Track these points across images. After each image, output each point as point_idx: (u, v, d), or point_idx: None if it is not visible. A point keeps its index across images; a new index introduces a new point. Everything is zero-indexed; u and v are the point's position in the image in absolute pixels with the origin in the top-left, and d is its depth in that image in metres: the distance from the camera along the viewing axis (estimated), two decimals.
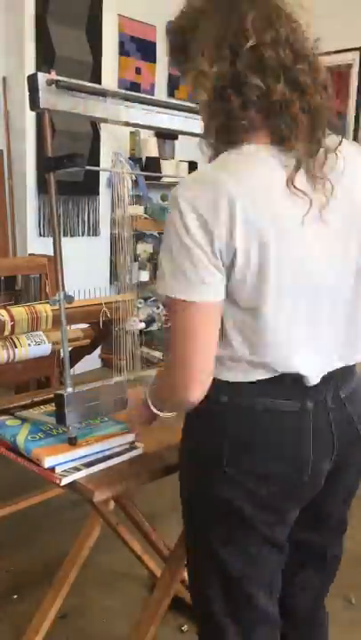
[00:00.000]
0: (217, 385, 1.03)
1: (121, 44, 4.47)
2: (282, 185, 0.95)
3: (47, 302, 1.80)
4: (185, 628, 1.95)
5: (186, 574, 1.25)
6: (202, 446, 1.08)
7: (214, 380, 1.03)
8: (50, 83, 1.20)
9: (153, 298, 1.42)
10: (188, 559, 1.21)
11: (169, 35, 1.07)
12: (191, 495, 1.13)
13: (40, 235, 3.92)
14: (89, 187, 4.16)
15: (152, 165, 4.44)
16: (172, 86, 4.97)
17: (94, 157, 4.07)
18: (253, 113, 0.95)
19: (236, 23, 0.94)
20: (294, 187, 0.95)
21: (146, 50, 4.64)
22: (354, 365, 1.15)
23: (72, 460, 1.24)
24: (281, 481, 1.05)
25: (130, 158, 4.28)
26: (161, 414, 1.17)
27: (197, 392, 1.02)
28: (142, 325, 1.36)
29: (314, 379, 1.04)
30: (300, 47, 0.96)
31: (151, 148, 4.55)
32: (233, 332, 1.02)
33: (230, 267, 0.96)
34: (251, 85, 0.93)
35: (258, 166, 0.96)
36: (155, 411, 1.17)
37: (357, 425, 1.13)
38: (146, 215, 3.47)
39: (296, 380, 1.03)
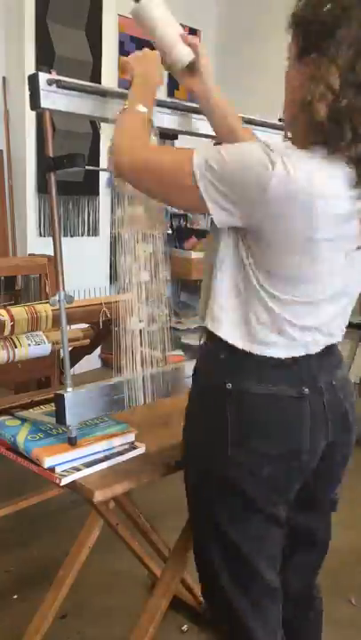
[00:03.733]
0: (220, 365, 1.11)
1: (121, 44, 4.47)
2: (351, 210, 1.02)
3: (47, 302, 1.80)
4: (185, 627, 1.95)
5: (186, 574, 1.25)
6: (207, 430, 1.14)
7: (216, 358, 1.11)
8: (50, 82, 1.20)
9: (152, 298, 1.42)
10: (194, 541, 1.25)
11: (304, 18, 1.04)
12: (199, 476, 1.17)
13: (40, 235, 3.92)
14: (89, 187, 4.16)
15: None
16: (172, 86, 4.97)
17: (94, 157, 4.07)
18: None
19: None
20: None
21: None
22: (340, 355, 1.23)
23: (72, 460, 1.24)
24: (282, 461, 1.11)
25: None
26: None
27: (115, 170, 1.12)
28: (142, 325, 1.36)
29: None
30: None
31: None
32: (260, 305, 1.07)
33: (271, 234, 1.01)
34: None
35: (343, 182, 1.01)
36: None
37: (348, 410, 1.20)
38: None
39: (295, 361, 1.11)
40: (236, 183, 1.00)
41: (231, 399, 1.10)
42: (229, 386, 1.09)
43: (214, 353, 1.13)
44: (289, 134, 1.13)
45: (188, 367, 1.44)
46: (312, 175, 0.98)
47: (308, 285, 1.07)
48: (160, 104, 1.40)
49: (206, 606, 1.32)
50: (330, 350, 1.17)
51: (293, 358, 1.11)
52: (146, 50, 1.29)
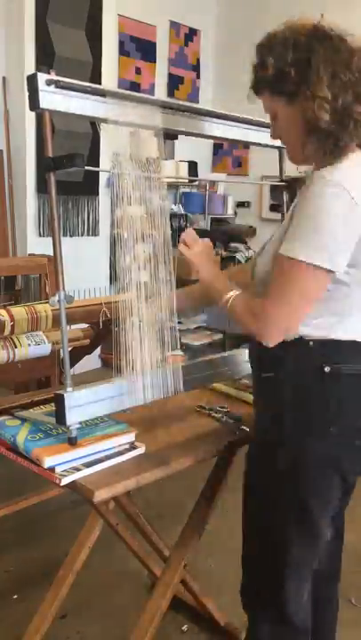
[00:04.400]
0: (318, 354, 1.21)
1: (121, 44, 4.48)
2: None
3: (47, 302, 1.80)
4: (185, 627, 1.95)
5: (186, 574, 1.25)
6: (308, 411, 1.23)
7: (315, 349, 1.21)
8: (49, 83, 1.20)
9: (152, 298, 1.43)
10: (258, 523, 1.33)
11: (278, 75, 1.20)
12: (298, 453, 1.24)
13: (40, 235, 3.92)
14: (89, 187, 4.16)
15: None
16: (172, 86, 4.97)
17: (94, 157, 4.07)
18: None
19: (344, 59, 1.16)
20: None
21: (146, 50, 4.64)
22: None
23: (72, 460, 1.24)
24: None
25: None
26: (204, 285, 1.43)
27: (276, 343, 1.19)
28: (142, 325, 1.36)
29: None
30: None
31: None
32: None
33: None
34: (359, 112, 1.16)
35: None
36: (214, 290, 1.36)
37: None
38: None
39: None
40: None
41: (330, 381, 1.21)
42: (327, 369, 1.20)
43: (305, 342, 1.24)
44: (305, 168, 1.28)
45: (188, 367, 1.45)
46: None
47: None
48: (160, 104, 1.40)
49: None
50: None
51: None
52: (204, 246, 1.48)
